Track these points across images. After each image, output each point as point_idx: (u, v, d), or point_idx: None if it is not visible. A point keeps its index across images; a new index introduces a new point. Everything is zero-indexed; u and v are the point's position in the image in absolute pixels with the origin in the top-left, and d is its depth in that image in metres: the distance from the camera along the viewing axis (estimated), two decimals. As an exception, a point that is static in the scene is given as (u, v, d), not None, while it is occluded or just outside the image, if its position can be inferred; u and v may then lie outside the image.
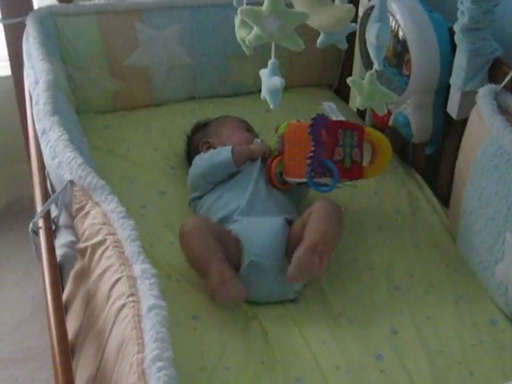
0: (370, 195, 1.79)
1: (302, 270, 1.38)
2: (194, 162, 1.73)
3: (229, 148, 1.67)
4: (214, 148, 1.77)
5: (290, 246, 1.47)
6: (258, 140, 1.78)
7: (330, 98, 2.23)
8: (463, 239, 1.57)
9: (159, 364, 0.88)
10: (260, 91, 2.09)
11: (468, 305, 1.47)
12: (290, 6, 1.23)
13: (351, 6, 1.23)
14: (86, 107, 1.99)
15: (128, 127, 1.99)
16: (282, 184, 1.66)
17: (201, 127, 1.88)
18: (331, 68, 2.24)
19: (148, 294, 1.00)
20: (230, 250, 1.47)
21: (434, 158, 1.83)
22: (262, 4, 1.26)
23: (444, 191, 1.78)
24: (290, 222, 1.55)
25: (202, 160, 1.70)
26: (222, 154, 1.68)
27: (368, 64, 1.87)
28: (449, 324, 1.42)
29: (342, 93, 2.26)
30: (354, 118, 2.10)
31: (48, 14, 1.88)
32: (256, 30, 1.18)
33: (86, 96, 2.00)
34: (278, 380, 1.28)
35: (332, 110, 1.73)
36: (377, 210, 1.75)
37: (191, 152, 1.84)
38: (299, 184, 1.64)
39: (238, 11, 1.28)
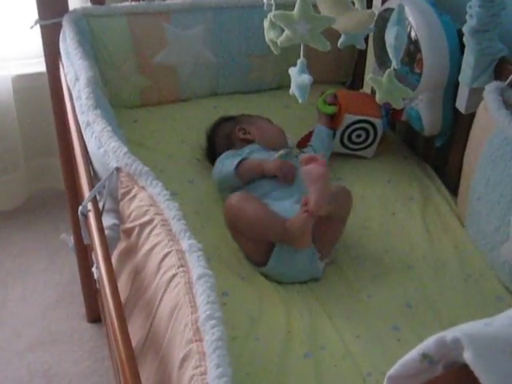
0: (384, 184, 1.90)
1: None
2: (218, 161, 1.80)
3: (237, 159, 1.73)
4: (251, 134, 1.87)
5: (315, 232, 1.56)
6: (289, 135, 1.91)
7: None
8: (471, 222, 1.68)
9: (212, 322, 1.00)
10: (279, 88, 2.25)
11: (476, 283, 1.58)
12: (316, 10, 1.36)
13: (372, 11, 1.36)
14: (115, 102, 2.07)
15: (155, 122, 2.10)
16: (329, 121, 1.92)
17: (228, 118, 1.97)
18: (345, 65, 2.34)
19: (197, 265, 1.11)
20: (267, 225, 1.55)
21: (443, 149, 1.93)
22: (287, 6, 1.38)
23: (452, 181, 1.88)
24: None
25: (215, 170, 1.79)
26: (229, 164, 1.73)
27: (381, 62, 1.99)
28: (459, 299, 1.53)
29: (355, 89, 2.37)
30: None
31: (82, 15, 1.99)
32: (287, 32, 1.31)
33: (115, 92, 2.10)
34: (304, 348, 1.38)
35: None
36: (391, 197, 1.85)
37: (220, 141, 1.91)
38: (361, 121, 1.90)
39: (269, 15, 1.41)
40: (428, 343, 0.64)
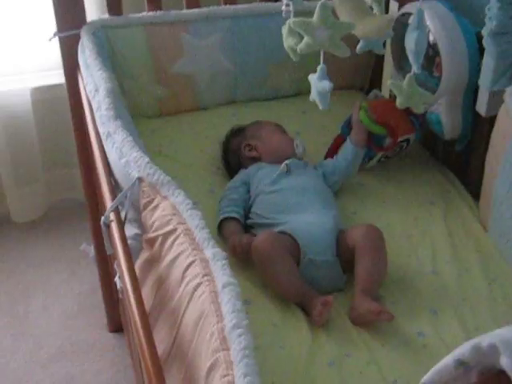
0: (405, 189, 1.89)
1: (363, 320, 1.45)
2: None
3: (226, 211, 1.72)
4: (257, 150, 1.88)
5: (338, 246, 1.58)
6: (297, 141, 1.89)
7: (362, 99, 2.35)
8: (494, 227, 1.67)
9: (238, 331, 1.00)
10: (297, 94, 2.25)
11: (500, 287, 1.57)
12: (334, 16, 1.36)
13: (391, 16, 1.36)
14: (133, 112, 2.07)
15: (174, 131, 2.10)
16: (386, 146, 1.85)
17: (237, 132, 1.97)
18: (362, 72, 2.34)
19: (221, 274, 1.12)
20: (291, 250, 1.55)
21: (463, 153, 1.91)
22: (305, 13, 1.38)
23: (474, 185, 1.86)
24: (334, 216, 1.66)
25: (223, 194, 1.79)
26: (221, 211, 1.73)
27: (400, 67, 1.99)
28: (483, 305, 1.52)
29: (372, 95, 2.38)
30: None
31: (100, 26, 2.00)
32: (307, 39, 1.31)
33: (134, 102, 2.11)
34: (329, 356, 1.37)
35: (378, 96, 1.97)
36: (412, 202, 1.85)
37: (231, 156, 1.93)
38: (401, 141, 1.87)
39: (288, 22, 1.41)
40: (463, 349, 0.63)
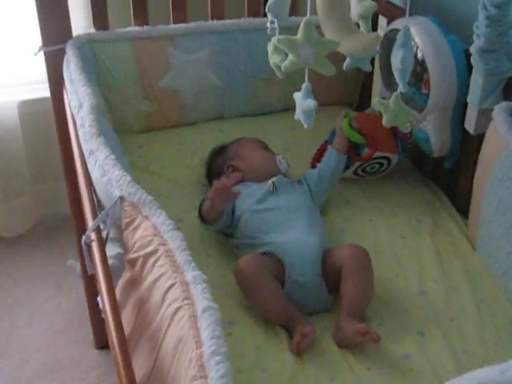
0: (393, 206, 1.87)
1: (349, 341, 1.43)
2: None
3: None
4: (239, 171, 1.85)
5: (324, 266, 1.57)
6: (280, 157, 1.87)
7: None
8: (483, 247, 1.65)
9: (217, 358, 0.98)
10: (285, 110, 2.24)
11: (488, 308, 1.55)
12: (320, 34, 1.33)
13: (378, 33, 1.34)
14: (120, 127, 2.07)
15: (161, 146, 2.08)
16: (364, 156, 1.85)
17: (219, 152, 1.94)
18: (351, 87, 2.32)
19: (201, 298, 1.09)
20: (275, 272, 1.53)
21: (452, 171, 1.90)
22: (291, 29, 1.36)
23: (463, 202, 1.84)
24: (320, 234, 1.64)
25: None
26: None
27: (388, 83, 1.97)
28: (471, 326, 1.50)
29: (362, 110, 2.34)
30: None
31: (86, 40, 1.98)
32: (291, 57, 1.29)
33: (120, 117, 2.09)
34: (313, 380, 1.35)
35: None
36: (400, 220, 1.83)
37: (214, 178, 1.88)
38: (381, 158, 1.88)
39: (273, 40, 1.39)
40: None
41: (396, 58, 1.29)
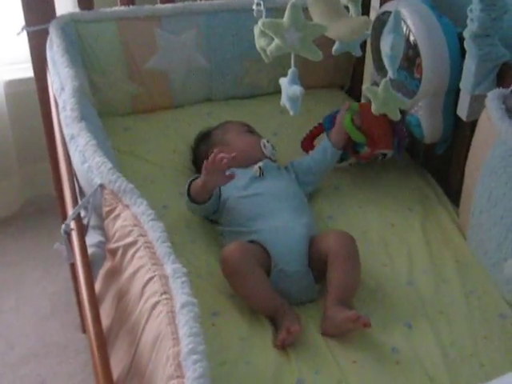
0: (384, 193, 1.84)
1: (339, 329, 1.41)
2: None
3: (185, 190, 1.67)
4: None
5: (311, 254, 1.54)
6: (264, 140, 1.83)
7: (343, 98, 2.29)
8: (473, 237, 1.62)
9: (194, 357, 0.94)
10: (274, 93, 2.19)
11: (478, 299, 1.52)
12: (308, 17, 1.29)
13: (367, 17, 1.29)
14: (106, 110, 2.03)
15: (147, 129, 2.04)
16: (363, 155, 1.82)
17: (205, 137, 1.91)
18: (343, 70, 2.28)
19: (180, 292, 1.06)
20: (261, 261, 1.50)
21: (444, 157, 1.87)
22: (279, 11, 1.32)
23: (454, 189, 1.82)
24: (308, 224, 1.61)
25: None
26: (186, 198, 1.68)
27: (379, 67, 1.93)
28: (460, 318, 1.47)
29: (353, 94, 2.31)
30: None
31: (70, 20, 1.92)
32: (277, 41, 1.24)
33: (106, 99, 2.04)
34: (297, 374, 1.32)
35: None
36: (390, 207, 1.80)
37: (199, 164, 1.83)
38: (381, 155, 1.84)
39: (259, 22, 1.34)
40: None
41: (386, 44, 1.24)
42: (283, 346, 1.38)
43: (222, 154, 1.59)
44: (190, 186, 1.67)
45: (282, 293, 1.48)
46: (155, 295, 1.10)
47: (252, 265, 1.47)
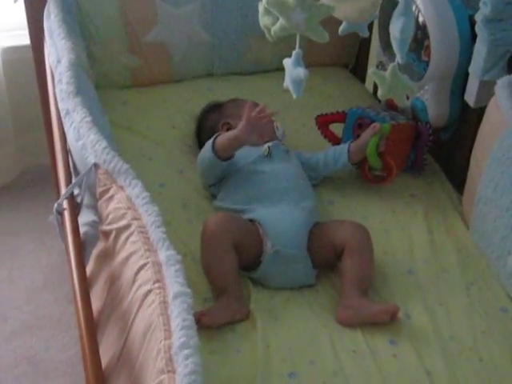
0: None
1: (366, 319, 1.39)
2: (201, 152, 1.67)
3: (210, 142, 1.61)
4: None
5: (311, 241, 1.50)
6: (277, 124, 1.78)
7: (346, 77, 2.24)
8: (477, 228, 1.58)
9: (186, 351, 0.91)
10: (278, 69, 2.13)
11: (479, 292, 1.49)
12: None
13: (376, -3, 1.23)
14: (104, 82, 2.00)
15: (146, 104, 2.00)
16: (374, 179, 1.75)
17: (214, 108, 1.86)
18: (348, 48, 2.23)
19: (173, 281, 1.03)
20: (252, 240, 1.48)
21: (449, 143, 1.83)
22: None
23: (458, 176, 1.78)
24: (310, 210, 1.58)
25: (200, 158, 1.66)
26: (206, 151, 1.62)
27: (386, 46, 1.88)
28: (460, 311, 1.44)
29: (358, 73, 2.26)
30: (369, 99, 2.12)
31: (69, -11, 1.88)
32: (282, 21, 1.19)
33: (104, 71, 2.01)
34: (289, 364, 1.29)
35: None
36: (392, 193, 1.75)
37: (205, 133, 1.81)
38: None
39: (264, 0, 1.29)
40: None
41: (395, 27, 1.19)
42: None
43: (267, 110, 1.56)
44: (215, 140, 1.61)
45: (277, 274, 1.47)
46: (148, 283, 1.07)
47: (226, 245, 1.44)
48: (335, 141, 1.83)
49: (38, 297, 2.45)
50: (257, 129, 1.58)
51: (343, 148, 1.74)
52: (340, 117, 1.83)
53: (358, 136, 1.73)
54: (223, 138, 1.60)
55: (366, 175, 1.76)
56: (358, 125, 1.78)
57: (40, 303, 2.42)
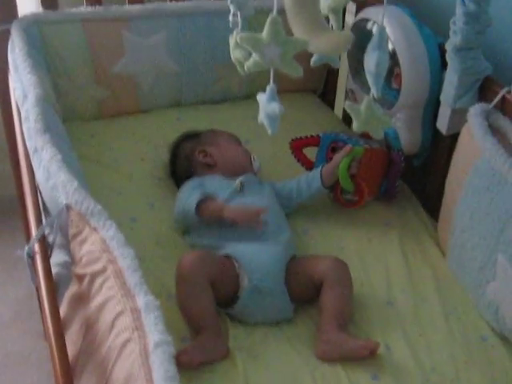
0: (360, 206, 1.77)
1: (345, 354, 1.37)
2: (181, 207, 1.63)
3: (197, 197, 1.58)
4: (212, 157, 1.75)
5: (288, 275, 1.49)
6: (254, 156, 1.77)
7: (315, 103, 2.24)
8: (454, 256, 1.57)
9: (171, 406, 0.89)
10: (246, 97, 2.12)
11: (459, 320, 1.48)
12: (288, 31, 1.22)
13: (349, 33, 1.22)
14: (71, 115, 1.96)
15: (114, 136, 1.97)
16: (346, 203, 1.75)
17: (191, 137, 1.84)
18: (316, 74, 2.22)
19: (153, 329, 1.00)
20: (228, 275, 1.46)
21: (422, 169, 1.83)
22: (253, 20, 1.25)
23: (431, 202, 1.78)
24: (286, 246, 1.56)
25: (180, 212, 1.63)
26: (188, 212, 1.59)
27: (355, 73, 1.88)
28: (441, 341, 1.43)
29: (326, 98, 2.26)
30: (338, 125, 2.11)
31: (33, 21, 1.85)
32: (255, 56, 1.17)
33: (71, 104, 1.97)
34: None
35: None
36: (366, 221, 1.74)
37: (180, 161, 1.79)
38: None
39: (235, 34, 1.28)
40: None
41: (370, 61, 1.18)
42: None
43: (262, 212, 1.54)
44: (200, 201, 1.58)
45: (255, 310, 1.44)
46: (126, 331, 1.04)
47: (202, 285, 1.40)
48: (308, 165, 1.82)
49: (6, 332, 2.39)
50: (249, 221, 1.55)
51: (315, 172, 1.73)
52: (314, 140, 1.82)
53: (332, 160, 1.72)
54: (210, 207, 1.57)
55: (338, 199, 1.75)
56: (332, 148, 1.77)
57: (8, 339, 2.37)
